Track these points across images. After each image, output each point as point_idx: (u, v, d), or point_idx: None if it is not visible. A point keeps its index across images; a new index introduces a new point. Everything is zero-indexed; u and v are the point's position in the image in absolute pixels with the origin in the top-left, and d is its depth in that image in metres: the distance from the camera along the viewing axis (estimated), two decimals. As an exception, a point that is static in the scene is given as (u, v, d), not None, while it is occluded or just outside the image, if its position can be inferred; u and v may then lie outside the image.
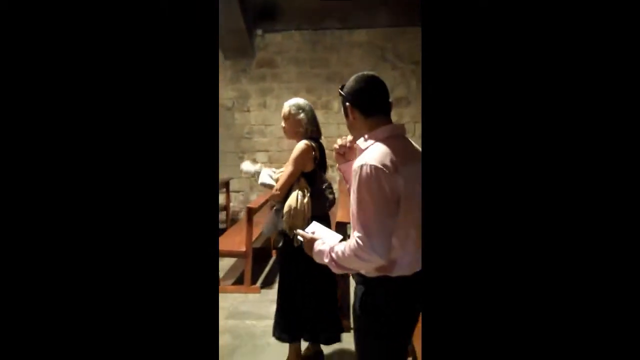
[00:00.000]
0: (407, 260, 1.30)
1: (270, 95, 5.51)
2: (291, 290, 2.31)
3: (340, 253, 1.28)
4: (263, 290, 3.51)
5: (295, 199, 2.16)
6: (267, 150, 5.59)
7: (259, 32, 5.40)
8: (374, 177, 1.20)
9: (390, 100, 1.39)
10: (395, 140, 1.31)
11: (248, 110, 5.59)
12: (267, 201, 2.24)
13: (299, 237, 1.49)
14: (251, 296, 3.42)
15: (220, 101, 5.60)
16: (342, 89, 1.40)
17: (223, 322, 2.96)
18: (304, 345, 2.43)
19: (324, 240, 1.38)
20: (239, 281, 3.68)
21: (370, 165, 1.21)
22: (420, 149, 1.37)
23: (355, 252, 1.22)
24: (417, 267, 1.32)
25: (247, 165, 2.42)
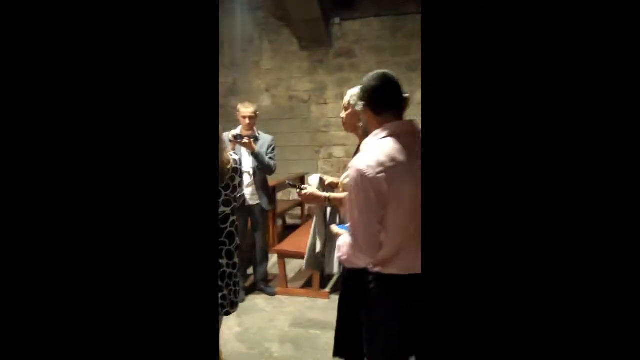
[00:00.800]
0: (404, 259, 1.30)
1: (347, 86, 5.19)
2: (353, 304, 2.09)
3: (343, 248, 1.33)
4: (332, 296, 3.32)
5: None
6: (344, 145, 5.39)
7: (337, 20, 5.19)
8: (357, 179, 1.24)
9: (405, 96, 1.36)
10: (396, 138, 1.29)
11: (325, 103, 5.42)
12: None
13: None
14: (320, 302, 3.25)
15: (296, 94, 5.50)
16: None
17: (287, 330, 2.83)
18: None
19: (343, 237, 1.40)
20: (308, 284, 3.53)
21: (355, 169, 1.25)
22: None
23: (348, 249, 1.30)
24: (415, 268, 1.23)
25: (314, 180, 2.20)
